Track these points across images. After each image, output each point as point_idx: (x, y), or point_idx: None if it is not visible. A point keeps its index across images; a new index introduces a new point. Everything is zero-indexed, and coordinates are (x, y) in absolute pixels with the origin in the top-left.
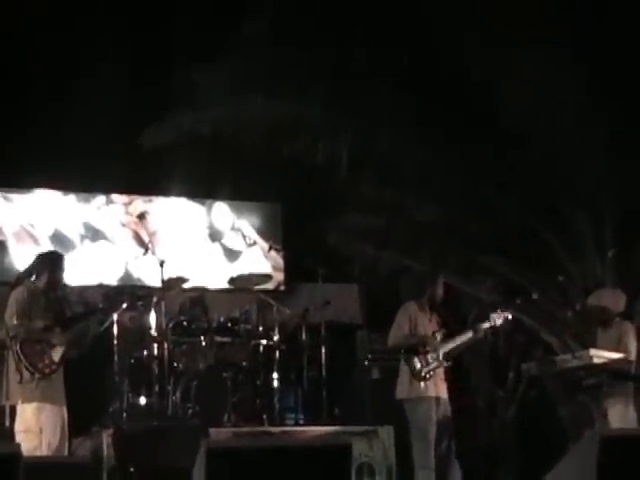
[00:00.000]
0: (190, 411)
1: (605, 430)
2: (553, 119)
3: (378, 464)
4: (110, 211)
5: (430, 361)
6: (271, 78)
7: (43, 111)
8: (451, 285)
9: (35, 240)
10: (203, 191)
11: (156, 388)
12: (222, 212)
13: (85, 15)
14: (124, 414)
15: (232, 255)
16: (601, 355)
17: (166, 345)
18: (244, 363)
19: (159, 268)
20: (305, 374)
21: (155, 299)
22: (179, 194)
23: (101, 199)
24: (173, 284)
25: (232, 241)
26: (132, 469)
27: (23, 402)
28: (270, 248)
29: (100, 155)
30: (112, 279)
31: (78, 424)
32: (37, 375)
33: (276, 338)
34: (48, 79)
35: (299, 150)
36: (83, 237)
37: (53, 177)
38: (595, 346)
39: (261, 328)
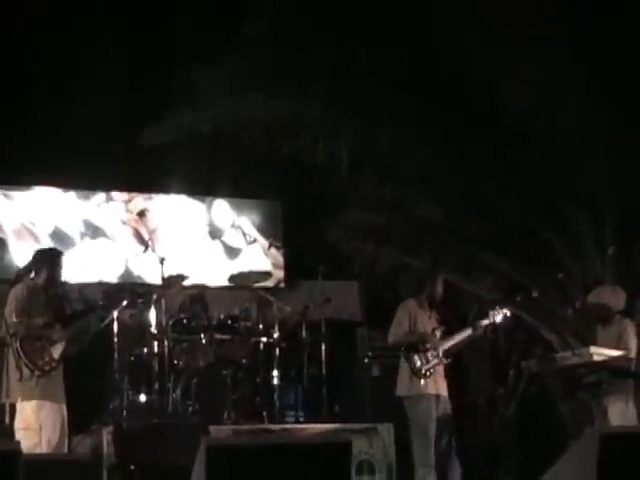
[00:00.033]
0: (190, 409)
1: (605, 427)
2: (553, 119)
3: (378, 462)
4: (110, 208)
5: (430, 359)
6: (271, 77)
7: (43, 110)
8: (451, 283)
9: (35, 237)
10: (203, 189)
11: (156, 386)
12: (222, 210)
13: (85, 15)
14: (124, 412)
15: (232, 253)
16: (601, 353)
17: (166, 342)
18: (244, 361)
19: (159, 265)
20: (305, 371)
21: (155, 296)
22: (179, 192)
23: (101, 196)
24: (173, 282)
25: (232, 239)
26: (132, 467)
27: (23, 400)
28: (270, 246)
29: (100, 153)
30: (112, 276)
31: (78, 421)
32: (37, 372)
33: (276, 335)
34: (48, 79)
35: (299, 148)
36: (83, 234)
37: (53, 174)
38: (595, 343)
39: (261, 326)
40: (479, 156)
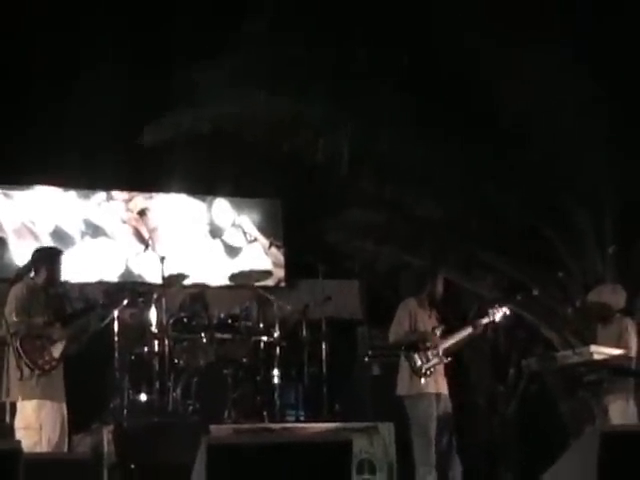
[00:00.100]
0: (190, 408)
1: (606, 426)
2: (553, 118)
3: (379, 460)
4: (110, 208)
5: (430, 357)
6: (271, 77)
7: (43, 110)
8: (451, 281)
9: (35, 237)
10: (204, 188)
11: (156, 385)
12: (223, 209)
13: (85, 15)
14: (124, 411)
15: (232, 252)
16: (601, 351)
17: (166, 342)
18: (244, 359)
19: (159, 265)
20: (306, 370)
21: (155, 296)
22: (179, 191)
23: (101, 195)
24: (173, 281)
25: (232, 237)
26: (132, 466)
27: (23, 399)
28: (270, 244)
29: (100, 152)
30: (112, 276)
31: (78, 421)
32: (37, 372)
33: (276, 334)
34: (48, 79)
35: (300, 147)
36: (83, 234)
37: (53, 174)
38: (595, 342)
39: (261, 324)
40: (479, 155)
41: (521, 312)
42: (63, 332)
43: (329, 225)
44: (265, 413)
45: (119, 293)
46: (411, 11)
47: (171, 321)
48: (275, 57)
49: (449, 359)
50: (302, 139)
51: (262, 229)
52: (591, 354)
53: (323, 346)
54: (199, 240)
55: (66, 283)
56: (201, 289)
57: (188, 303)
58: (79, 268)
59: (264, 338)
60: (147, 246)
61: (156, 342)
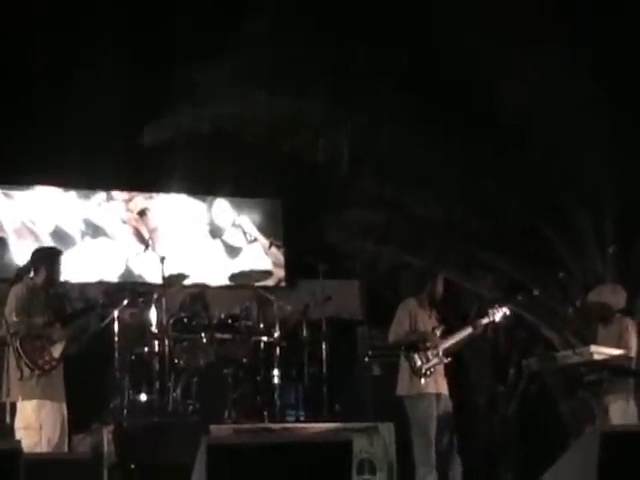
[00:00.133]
0: (191, 408)
1: (606, 426)
2: (553, 118)
3: (379, 460)
4: (111, 208)
5: (430, 357)
6: (272, 76)
7: (43, 110)
8: (451, 281)
9: (36, 237)
10: (204, 188)
11: (157, 385)
12: (223, 209)
13: (85, 14)
14: (124, 411)
15: (233, 252)
16: (602, 351)
17: (167, 342)
18: (245, 360)
19: (160, 265)
20: (306, 370)
21: (156, 296)
22: (180, 191)
23: (101, 196)
24: (174, 281)
25: (233, 238)
26: (132, 466)
27: (23, 399)
28: (271, 244)
29: (101, 152)
30: (113, 276)
31: (78, 421)
32: (37, 372)
33: (277, 334)
34: (48, 79)
35: (300, 147)
36: (84, 234)
37: (53, 174)
38: (596, 342)
39: (262, 325)
40: (479, 155)
41: (521, 312)
42: (63, 332)
43: (329, 225)
44: (265, 413)
45: (119, 293)
46: (411, 11)
47: (171, 321)
48: (275, 57)
49: (449, 359)
50: (302, 139)
51: (262, 229)
52: (591, 354)
53: (323, 346)
54: (199, 240)
55: (66, 283)
56: (201, 289)
57: (188, 303)
58: (79, 268)
59: (264, 338)
60: (147, 246)
61: (156, 342)
